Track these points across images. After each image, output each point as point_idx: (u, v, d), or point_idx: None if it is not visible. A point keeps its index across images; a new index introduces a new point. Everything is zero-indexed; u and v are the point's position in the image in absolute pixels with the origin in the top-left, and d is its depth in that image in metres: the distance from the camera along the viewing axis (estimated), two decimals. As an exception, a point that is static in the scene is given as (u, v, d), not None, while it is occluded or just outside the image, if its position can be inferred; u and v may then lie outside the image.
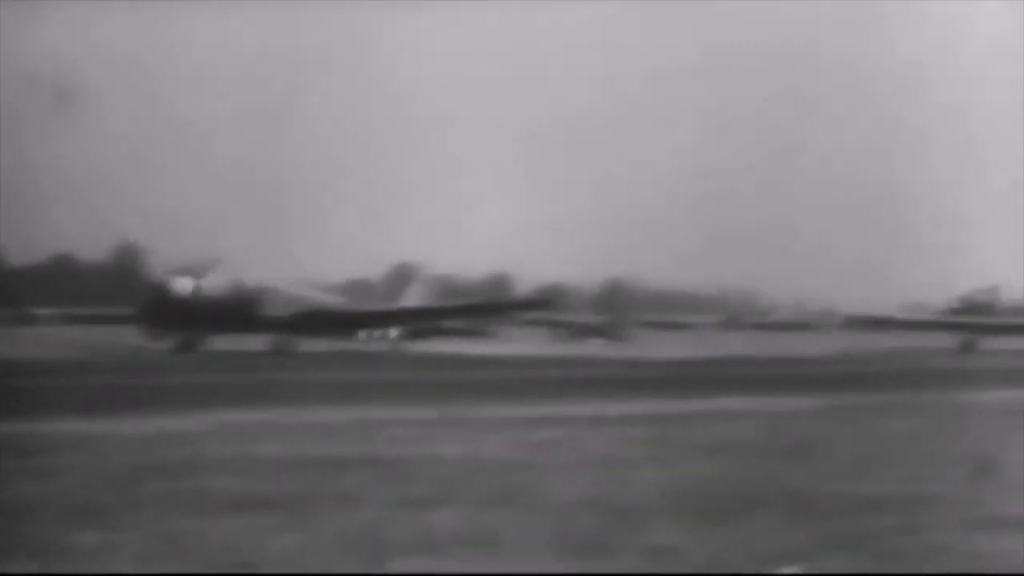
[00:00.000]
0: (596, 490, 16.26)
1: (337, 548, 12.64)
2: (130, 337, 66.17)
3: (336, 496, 15.40)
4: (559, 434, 22.72)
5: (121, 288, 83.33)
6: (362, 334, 70.40)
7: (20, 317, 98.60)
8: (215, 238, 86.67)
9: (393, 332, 71.88)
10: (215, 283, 64.55)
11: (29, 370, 42.82)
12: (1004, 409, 30.05)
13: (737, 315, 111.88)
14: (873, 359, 60.97)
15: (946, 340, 74.27)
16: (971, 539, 13.52)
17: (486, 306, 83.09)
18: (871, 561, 12.44)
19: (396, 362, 55.97)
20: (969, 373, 46.60)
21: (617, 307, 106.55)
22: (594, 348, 78.57)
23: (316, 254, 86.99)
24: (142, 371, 44.54)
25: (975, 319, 76.75)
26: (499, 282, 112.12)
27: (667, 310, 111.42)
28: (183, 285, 63.72)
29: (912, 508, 15.26)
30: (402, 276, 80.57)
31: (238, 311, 64.28)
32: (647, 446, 21.19)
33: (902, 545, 13.18)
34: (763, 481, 17.28)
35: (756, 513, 14.69)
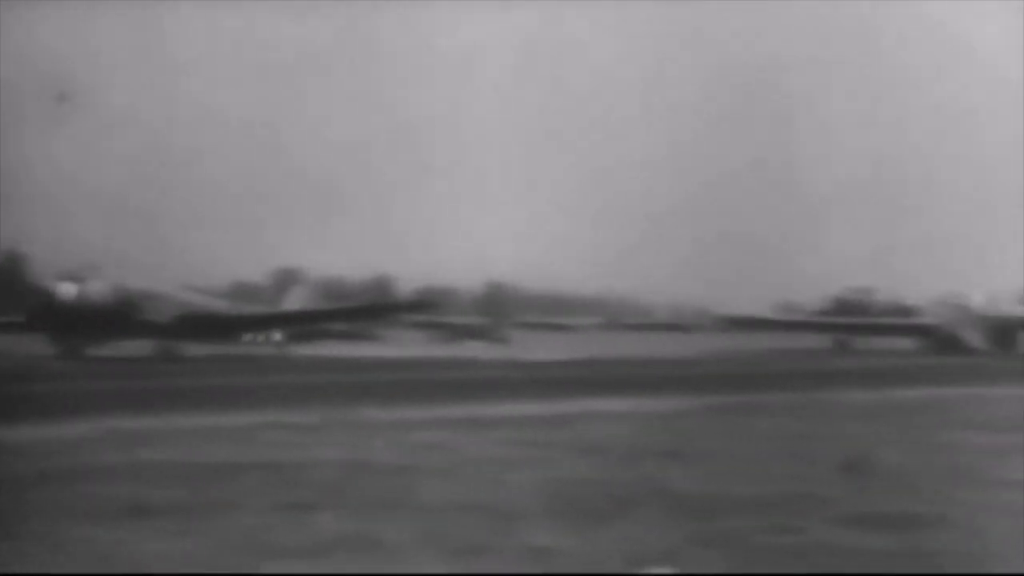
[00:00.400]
0: (475, 492, 16.40)
1: (219, 552, 12.70)
2: (16, 344, 65.34)
3: (220, 502, 15.43)
4: (440, 436, 22.83)
5: (7, 295, 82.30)
6: (247, 337, 70.01)
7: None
8: (103, 241, 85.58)
9: (277, 335, 71.56)
10: (98, 288, 63.85)
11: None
12: (877, 408, 30.56)
13: (616, 317, 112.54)
14: (748, 360, 61.58)
15: (821, 340, 75.18)
16: (842, 536, 13.81)
17: (368, 308, 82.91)
18: (743, 559, 12.68)
19: (280, 365, 55.75)
20: (841, 373, 47.21)
21: (497, 309, 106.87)
22: (475, 350, 78.72)
23: (200, 257, 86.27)
24: (28, 378, 44.02)
25: (848, 319, 77.78)
26: (381, 285, 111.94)
27: (547, 312, 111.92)
28: (67, 290, 62.94)
29: (784, 507, 15.55)
30: (286, 279, 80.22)
31: (121, 316, 63.63)
32: (525, 447, 21.36)
33: (773, 543, 13.44)
34: (639, 481, 17.51)
35: (632, 513, 14.90)
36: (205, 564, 12.27)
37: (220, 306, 70.98)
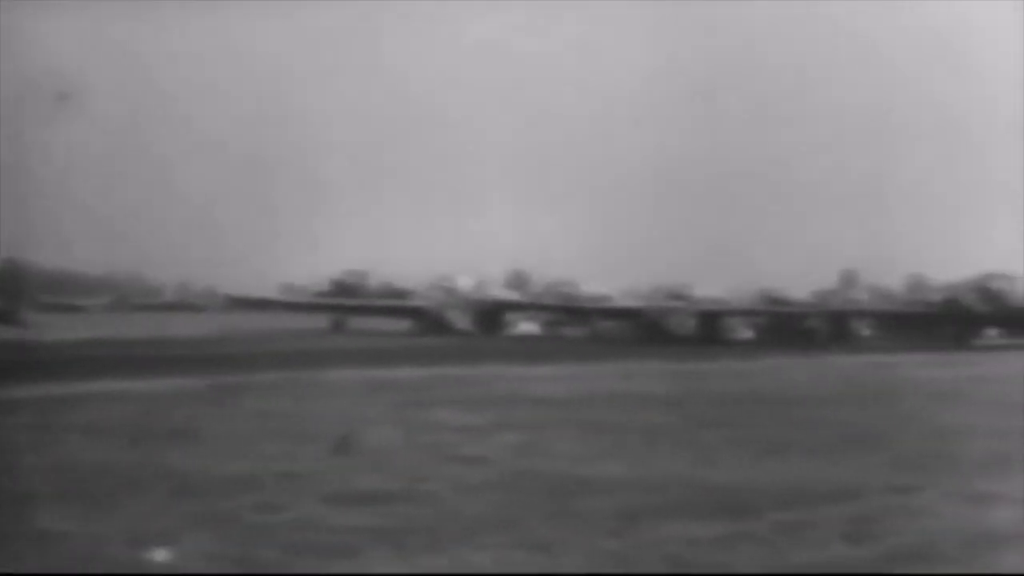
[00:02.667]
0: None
1: None
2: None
3: None
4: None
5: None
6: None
7: None
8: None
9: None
10: None
11: None
12: (366, 387, 31.39)
13: (125, 297, 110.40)
14: (252, 339, 61.74)
15: (320, 320, 75.93)
16: (323, 514, 14.37)
17: None
18: (238, 538, 13.07)
19: None
20: (336, 353, 47.92)
21: (16, 289, 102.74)
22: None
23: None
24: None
25: (345, 301, 78.89)
26: None
27: (58, 292, 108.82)
28: None
29: (276, 485, 16.05)
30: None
31: None
32: (38, 432, 21.18)
33: (265, 522, 13.90)
34: (141, 463, 17.69)
35: (134, 495, 15.12)
36: None
37: None
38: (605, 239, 73.77)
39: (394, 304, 78.28)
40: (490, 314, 74.03)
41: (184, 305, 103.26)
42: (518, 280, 78.67)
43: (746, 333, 69.35)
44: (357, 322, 75.50)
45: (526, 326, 74.66)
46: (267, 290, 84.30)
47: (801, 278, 71.77)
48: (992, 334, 70.10)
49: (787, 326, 69.15)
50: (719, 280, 71.97)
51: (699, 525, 13.70)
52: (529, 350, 51.61)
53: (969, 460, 18.95)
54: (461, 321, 72.99)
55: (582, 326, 72.20)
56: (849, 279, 73.92)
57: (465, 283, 75.92)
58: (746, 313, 71.18)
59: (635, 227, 75.11)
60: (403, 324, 74.79)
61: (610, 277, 73.07)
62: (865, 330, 71.28)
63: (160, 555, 12.21)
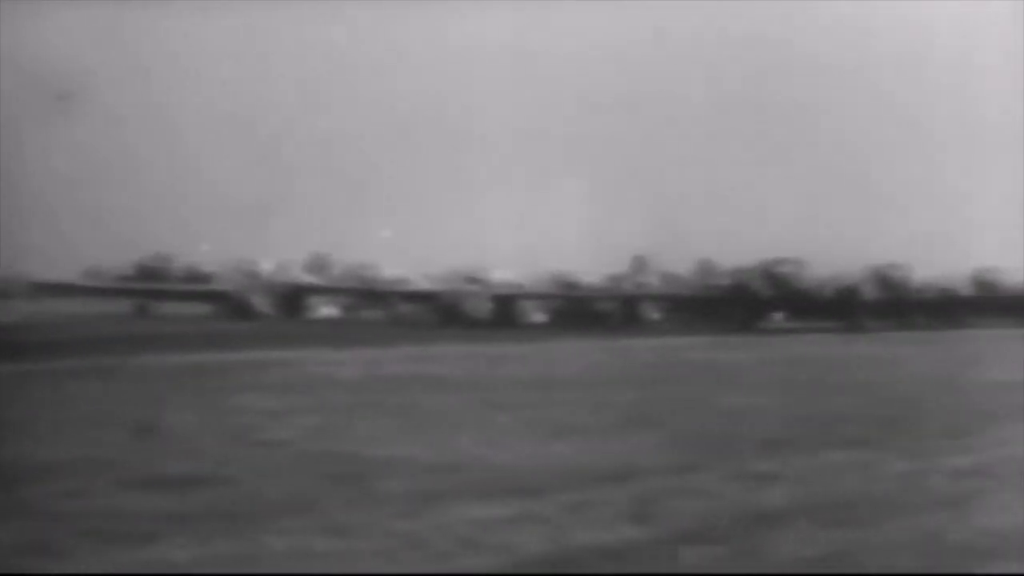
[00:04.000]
0: None
1: None
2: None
3: None
4: None
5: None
6: None
7: None
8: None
9: None
10: None
11: None
12: (169, 372, 31.12)
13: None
14: (54, 325, 60.61)
15: (123, 305, 74.72)
16: (125, 499, 14.29)
17: None
18: (40, 527, 12.88)
19: None
20: (140, 338, 47.35)
21: None
22: None
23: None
24: None
25: (148, 285, 77.73)
26: None
27: None
28: None
29: (77, 472, 15.89)
30: None
31: None
32: None
33: (63, 509, 13.75)
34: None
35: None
36: None
37: None
38: (404, 221, 73.78)
39: (197, 289, 77.35)
40: (291, 298, 73.56)
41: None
42: (319, 263, 78.29)
43: (540, 316, 69.91)
44: (163, 307, 74.53)
45: (327, 310, 74.37)
46: (72, 275, 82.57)
47: (594, 263, 72.53)
48: (778, 318, 71.51)
49: (580, 310, 69.92)
50: (515, 264, 72.41)
51: (489, 506, 13.93)
52: (328, 334, 51.54)
53: (747, 441, 19.48)
54: (263, 305, 72.46)
55: (381, 309, 72.17)
56: (640, 264, 74.90)
57: (267, 266, 75.32)
58: (540, 297, 71.73)
59: (433, 209, 75.21)
60: (207, 308, 73.96)
61: (410, 260, 73.13)
62: (655, 314, 72.27)
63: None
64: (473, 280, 70.97)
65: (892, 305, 68.75)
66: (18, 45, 60.45)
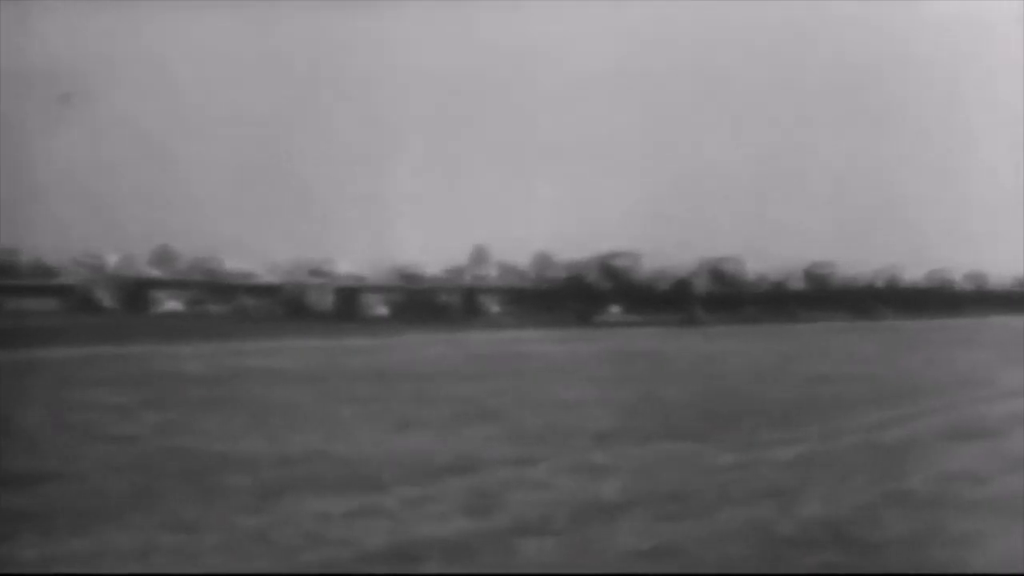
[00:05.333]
0: None
1: None
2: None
3: None
4: None
5: None
6: None
7: None
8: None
9: None
10: None
11: None
12: (14, 368, 30.64)
13: None
14: None
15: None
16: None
17: None
18: None
19: None
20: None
21: None
22: None
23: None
24: None
25: (-9, 280, 76.18)
26: None
27: None
28: None
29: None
30: None
31: None
32: None
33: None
34: None
35: None
36: None
37: None
38: (251, 211, 73.21)
39: (42, 283, 75.98)
40: (135, 292, 72.67)
41: None
42: (164, 256, 77.36)
43: (381, 309, 69.92)
44: (8, 303, 73.09)
45: (171, 303, 73.58)
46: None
47: (436, 254, 72.61)
48: (615, 311, 72.16)
49: (421, 302, 70.03)
50: (358, 256, 72.23)
51: (331, 500, 14.01)
52: (173, 327, 51.07)
53: (582, 433, 19.77)
54: (108, 299, 71.49)
55: (226, 303, 71.60)
56: (480, 255, 75.14)
57: (111, 259, 74.28)
58: (382, 289, 71.73)
59: (287, 200, 74.73)
60: (54, 304, 72.68)
61: (255, 253, 72.58)
62: (495, 306, 72.62)
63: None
64: (318, 273, 70.70)
65: (726, 298, 69.74)
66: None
